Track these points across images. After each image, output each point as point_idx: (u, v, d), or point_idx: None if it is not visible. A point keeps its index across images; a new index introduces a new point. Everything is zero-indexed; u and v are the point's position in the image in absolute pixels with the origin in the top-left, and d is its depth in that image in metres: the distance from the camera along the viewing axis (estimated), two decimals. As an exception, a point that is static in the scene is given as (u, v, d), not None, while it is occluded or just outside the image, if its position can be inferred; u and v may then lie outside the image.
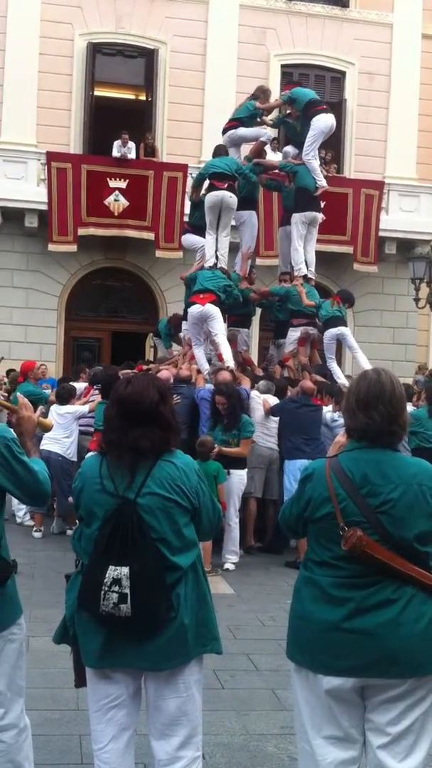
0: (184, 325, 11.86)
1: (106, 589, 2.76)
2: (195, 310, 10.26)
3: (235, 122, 11.74)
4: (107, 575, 2.76)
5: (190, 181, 16.66)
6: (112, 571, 2.76)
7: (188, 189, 16.62)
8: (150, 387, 2.96)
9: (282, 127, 12.36)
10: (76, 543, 3.04)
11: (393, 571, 2.67)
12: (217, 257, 10.72)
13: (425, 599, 2.70)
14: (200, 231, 11.46)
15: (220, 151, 11.21)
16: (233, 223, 11.56)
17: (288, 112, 11.85)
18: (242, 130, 11.63)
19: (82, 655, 2.97)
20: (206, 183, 10.92)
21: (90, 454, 8.27)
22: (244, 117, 11.72)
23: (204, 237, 11.21)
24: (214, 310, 10.15)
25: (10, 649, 3.08)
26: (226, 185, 10.51)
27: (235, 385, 9.49)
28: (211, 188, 10.65)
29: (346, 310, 11.74)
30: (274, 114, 12.04)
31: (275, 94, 17.75)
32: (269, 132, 11.70)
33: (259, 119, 11.76)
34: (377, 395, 2.78)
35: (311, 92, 11.98)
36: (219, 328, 10.21)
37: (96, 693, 2.94)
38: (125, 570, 2.75)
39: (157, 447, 2.91)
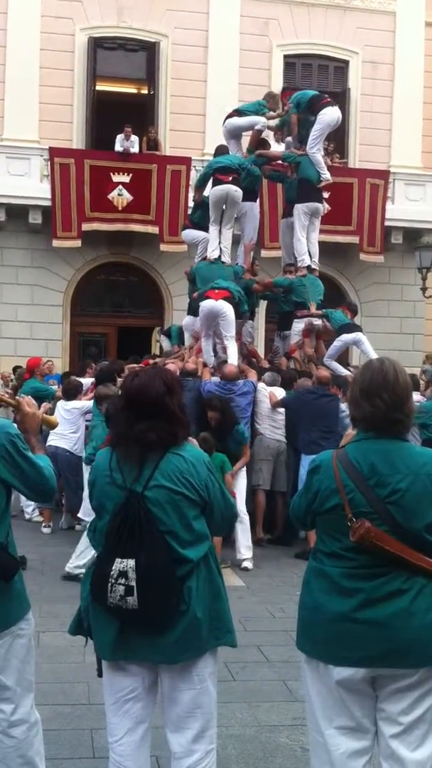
0: (187, 320, 11.84)
1: (113, 581, 2.77)
2: (207, 304, 10.14)
3: (234, 113, 11.70)
4: (114, 567, 2.77)
5: (193, 174, 16.65)
6: (119, 564, 2.77)
7: (192, 182, 16.66)
8: (156, 379, 2.95)
9: (286, 128, 12.22)
10: (91, 535, 3.06)
11: (403, 562, 2.65)
12: (220, 249, 10.68)
13: None
14: (200, 227, 11.45)
15: (222, 151, 11.18)
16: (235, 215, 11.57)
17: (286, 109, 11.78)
18: (236, 119, 11.59)
19: (96, 647, 2.97)
20: (209, 184, 10.88)
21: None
22: (246, 111, 11.66)
23: (205, 232, 11.21)
24: (227, 309, 10.04)
25: (18, 644, 3.08)
26: (230, 178, 10.48)
27: (241, 377, 9.48)
28: (215, 183, 10.62)
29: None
30: (273, 123, 12.00)
31: (279, 85, 17.77)
32: (264, 120, 11.60)
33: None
34: (380, 383, 2.76)
35: (311, 91, 11.93)
36: (230, 330, 10.13)
37: (112, 685, 2.95)
38: (131, 562, 2.76)
39: (163, 440, 2.89)
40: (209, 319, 10.23)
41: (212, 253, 10.67)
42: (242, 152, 11.66)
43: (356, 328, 11.41)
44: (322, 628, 2.75)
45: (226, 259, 10.80)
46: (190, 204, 16.30)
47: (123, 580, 2.75)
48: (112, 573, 2.77)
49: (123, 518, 2.81)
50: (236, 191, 10.51)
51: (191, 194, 16.51)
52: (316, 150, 11.33)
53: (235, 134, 11.71)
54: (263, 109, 11.68)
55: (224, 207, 10.59)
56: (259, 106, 11.71)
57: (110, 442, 3.04)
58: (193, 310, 11.84)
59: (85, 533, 7.49)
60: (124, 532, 2.80)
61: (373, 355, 10.89)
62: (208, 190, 11.02)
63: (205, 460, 2.98)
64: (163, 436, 2.89)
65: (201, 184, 11.34)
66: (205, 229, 11.14)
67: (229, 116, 11.73)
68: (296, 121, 11.50)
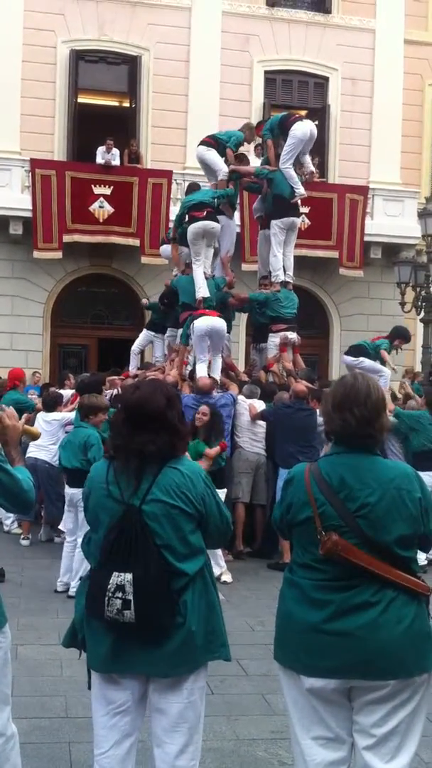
0: (170, 331, 11.85)
1: (110, 595, 2.77)
2: (208, 322, 9.95)
3: (211, 140, 11.61)
4: (111, 581, 2.77)
5: (174, 188, 16.75)
6: (116, 578, 2.77)
7: (173, 195, 16.72)
8: (157, 392, 2.97)
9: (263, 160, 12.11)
10: (85, 547, 3.06)
11: (372, 574, 2.69)
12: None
13: (407, 602, 2.72)
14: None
15: (194, 188, 11.17)
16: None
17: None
18: (204, 153, 11.46)
19: (89, 659, 2.97)
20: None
21: None
22: (220, 138, 11.56)
23: (184, 247, 11.20)
24: (224, 327, 10.17)
25: (-6, 657, 3.06)
26: (205, 213, 10.45)
27: (219, 391, 9.50)
28: (191, 220, 10.50)
29: (388, 343, 11.34)
30: (255, 162, 11.98)
31: (259, 101, 17.91)
32: (225, 170, 11.35)
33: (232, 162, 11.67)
34: (353, 399, 2.80)
35: (280, 114, 11.87)
36: (220, 347, 10.21)
37: (103, 698, 2.94)
38: (129, 576, 2.76)
39: (163, 452, 2.91)
40: (207, 337, 9.99)
41: (199, 293, 10.43)
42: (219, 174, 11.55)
43: (352, 351, 11.26)
44: (294, 638, 2.79)
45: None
46: (172, 217, 16.35)
47: (120, 594, 2.75)
48: (109, 587, 2.77)
49: (120, 532, 2.81)
50: (212, 226, 10.45)
51: (172, 207, 16.61)
52: (288, 165, 11.30)
53: (203, 163, 11.68)
54: (237, 139, 11.53)
55: (204, 241, 10.51)
56: (233, 138, 11.54)
57: (107, 455, 3.03)
58: (154, 324, 11.95)
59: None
60: (121, 546, 2.80)
61: (381, 373, 10.57)
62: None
63: (202, 474, 2.99)
64: (164, 448, 2.91)
65: (179, 225, 11.18)
66: (184, 245, 11.19)
67: (204, 142, 11.64)
68: (272, 146, 11.54)
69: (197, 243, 10.48)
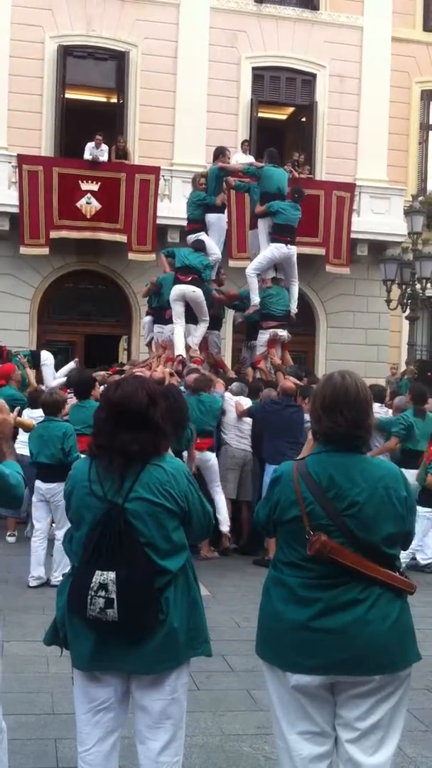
0: (157, 328, 11.87)
1: (93, 593, 2.77)
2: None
3: (193, 225, 11.73)
4: (94, 580, 2.77)
5: (162, 184, 16.74)
6: (99, 576, 2.77)
7: (161, 192, 16.69)
8: (139, 390, 2.95)
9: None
10: (67, 546, 3.04)
11: (359, 573, 2.71)
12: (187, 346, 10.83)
13: (392, 599, 2.75)
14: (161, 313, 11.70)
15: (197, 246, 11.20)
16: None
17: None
18: (202, 239, 11.50)
19: (72, 657, 2.96)
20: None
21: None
22: (202, 207, 11.58)
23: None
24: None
25: (-18, 654, 3.07)
26: (189, 279, 10.67)
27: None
28: (175, 281, 10.81)
29: None
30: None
31: (247, 96, 17.88)
32: (218, 255, 11.67)
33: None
34: (342, 399, 2.79)
35: (285, 179, 11.65)
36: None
37: (85, 696, 2.94)
38: (112, 575, 2.76)
39: (146, 451, 2.90)
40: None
41: (178, 349, 10.75)
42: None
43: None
44: (281, 636, 2.79)
45: (198, 357, 10.84)
46: (159, 213, 16.41)
47: (103, 593, 2.75)
48: (92, 585, 2.77)
49: (102, 530, 2.81)
50: (193, 291, 10.70)
51: (160, 203, 16.62)
52: (254, 275, 11.30)
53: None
54: (199, 200, 11.57)
55: (186, 304, 10.82)
56: (209, 195, 11.56)
57: (89, 453, 3.02)
58: (158, 318, 11.91)
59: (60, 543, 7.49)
60: (103, 545, 2.79)
61: None
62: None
63: (184, 471, 2.99)
64: (147, 447, 2.90)
65: (170, 255, 11.47)
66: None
67: (191, 229, 11.79)
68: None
69: (177, 304, 10.79)
